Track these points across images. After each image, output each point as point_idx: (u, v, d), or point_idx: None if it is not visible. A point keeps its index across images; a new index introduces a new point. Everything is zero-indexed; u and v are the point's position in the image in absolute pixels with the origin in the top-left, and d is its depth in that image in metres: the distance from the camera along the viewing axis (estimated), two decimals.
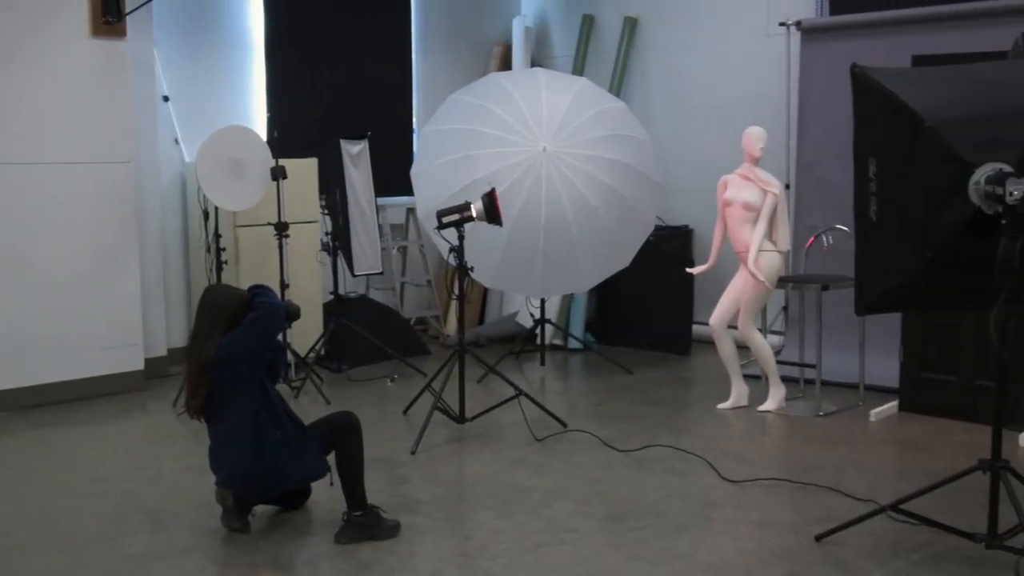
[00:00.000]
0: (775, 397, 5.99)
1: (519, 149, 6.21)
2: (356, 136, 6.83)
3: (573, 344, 7.88)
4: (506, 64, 8.86)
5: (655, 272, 7.44)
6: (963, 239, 3.40)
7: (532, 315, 7.54)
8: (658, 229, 7.21)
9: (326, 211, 7.13)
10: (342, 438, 4.12)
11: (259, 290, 4.14)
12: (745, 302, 5.91)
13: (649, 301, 7.75)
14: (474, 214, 5.28)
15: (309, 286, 7.11)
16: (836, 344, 6.42)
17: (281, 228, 6.43)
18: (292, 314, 4.30)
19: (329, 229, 7.04)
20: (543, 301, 7.37)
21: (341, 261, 6.95)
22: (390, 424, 5.80)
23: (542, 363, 7.42)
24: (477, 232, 5.61)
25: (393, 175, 7.55)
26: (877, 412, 5.80)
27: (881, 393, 6.10)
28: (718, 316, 6.02)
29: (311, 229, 7.18)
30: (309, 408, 5.87)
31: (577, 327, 7.94)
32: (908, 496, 3.90)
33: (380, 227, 7.35)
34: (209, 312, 4.10)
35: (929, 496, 3.89)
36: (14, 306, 6.12)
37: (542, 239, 6.25)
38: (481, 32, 9.04)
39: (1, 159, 6.08)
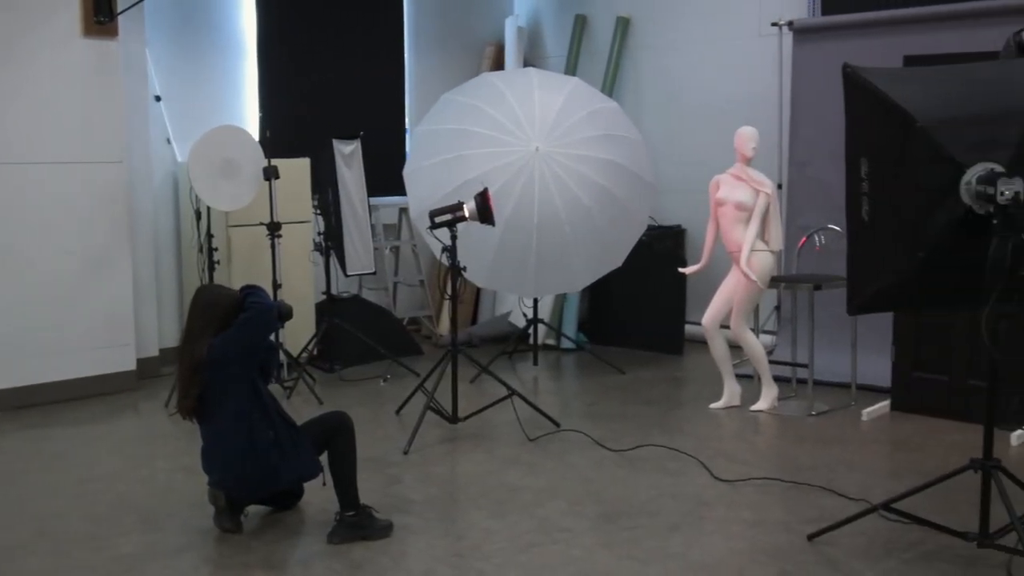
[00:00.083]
0: (767, 397, 6.00)
1: (512, 149, 6.21)
2: (349, 136, 6.81)
3: (566, 344, 7.88)
4: (499, 64, 8.85)
5: (648, 272, 7.45)
6: (955, 239, 3.41)
7: (525, 315, 7.54)
8: (651, 229, 7.22)
9: (318, 211, 7.12)
10: (335, 438, 4.12)
11: (251, 290, 4.14)
12: (737, 302, 5.92)
13: (642, 301, 7.76)
14: (467, 214, 5.28)
15: (301, 286, 7.09)
16: (828, 344, 6.43)
17: (273, 228, 6.43)
18: (284, 314, 4.28)
19: (322, 229, 7.03)
20: (536, 301, 7.38)
21: (334, 261, 6.94)
22: (383, 424, 5.80)
23: (535, 363, 7.42)
24: (470, 232, 5.61)
25: (386, 175, 7.53)
26: (869, 412, 5.81)
27: (873, 393, 6.12)
28: (710, 316, 6.03)
29: (303, 229, 7.16)
30: (302, 408, 5.86)
31: (570, 327, 7.94)
32: (900, 495, 3.91)
33: (373, 227, 7.35)
34: (201, 312, 4.09)
35: (921, 495, 3.89)
36: (5, 306, 6.10)
37: (535, 239, 6.25)
38: (473, 32, 9.03)
39: None
